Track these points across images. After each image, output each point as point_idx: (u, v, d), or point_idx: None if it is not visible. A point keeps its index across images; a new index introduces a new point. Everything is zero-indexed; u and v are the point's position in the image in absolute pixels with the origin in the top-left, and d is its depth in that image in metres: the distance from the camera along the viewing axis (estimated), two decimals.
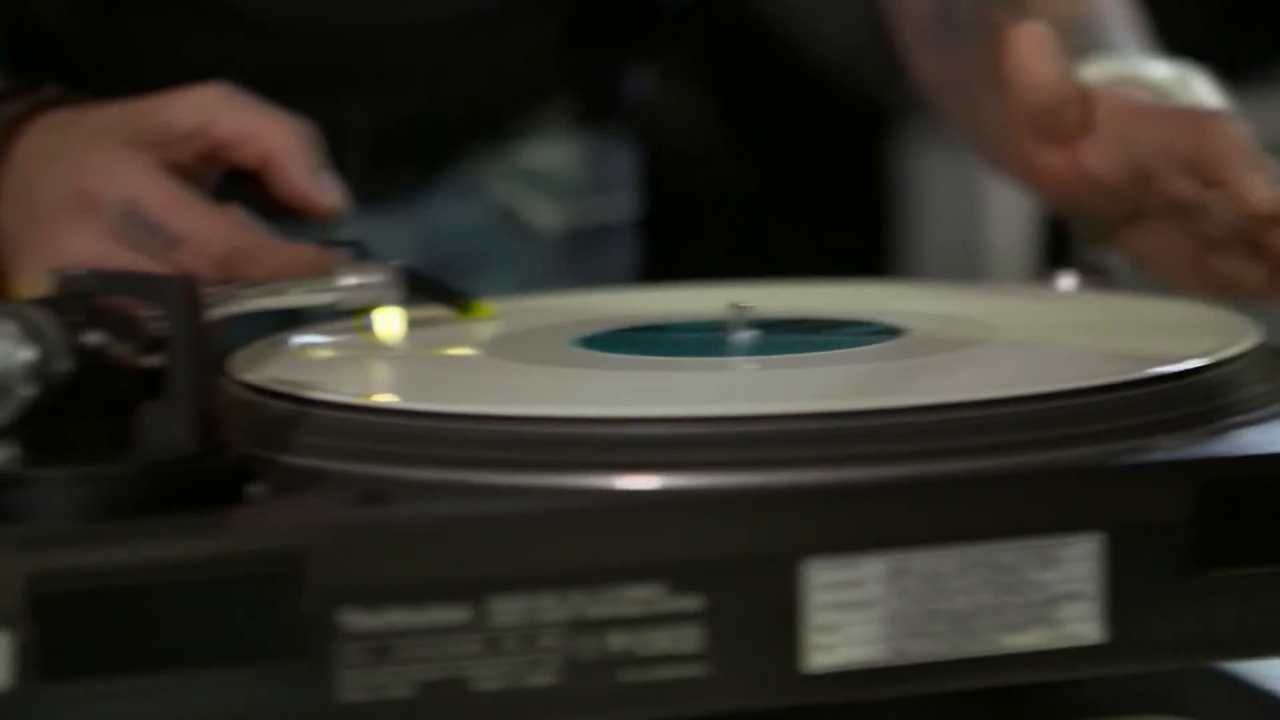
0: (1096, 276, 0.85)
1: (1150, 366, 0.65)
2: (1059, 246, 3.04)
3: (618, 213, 1.19)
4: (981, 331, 0.73)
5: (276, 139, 0.82)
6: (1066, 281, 0.84)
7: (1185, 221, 0.83)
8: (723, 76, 3.02)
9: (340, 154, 1.04)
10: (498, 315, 0.79)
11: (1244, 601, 0.61)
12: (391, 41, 1.07)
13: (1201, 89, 0.88)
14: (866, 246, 3.02)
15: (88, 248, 0.80)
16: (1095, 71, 0.88)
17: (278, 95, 1.01)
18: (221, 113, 0.82)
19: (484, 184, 1.13)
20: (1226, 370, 0.67)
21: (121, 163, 0.81)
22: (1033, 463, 0.60)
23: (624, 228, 1.19)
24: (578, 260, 1.15)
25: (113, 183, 0.80)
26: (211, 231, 0.79)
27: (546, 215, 1.14)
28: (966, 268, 2.80)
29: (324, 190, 0.83)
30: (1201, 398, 0.65)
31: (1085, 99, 0.84)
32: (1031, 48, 0.81)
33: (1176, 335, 0.74)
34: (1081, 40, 0.92)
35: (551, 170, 1.14)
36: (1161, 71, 0.89)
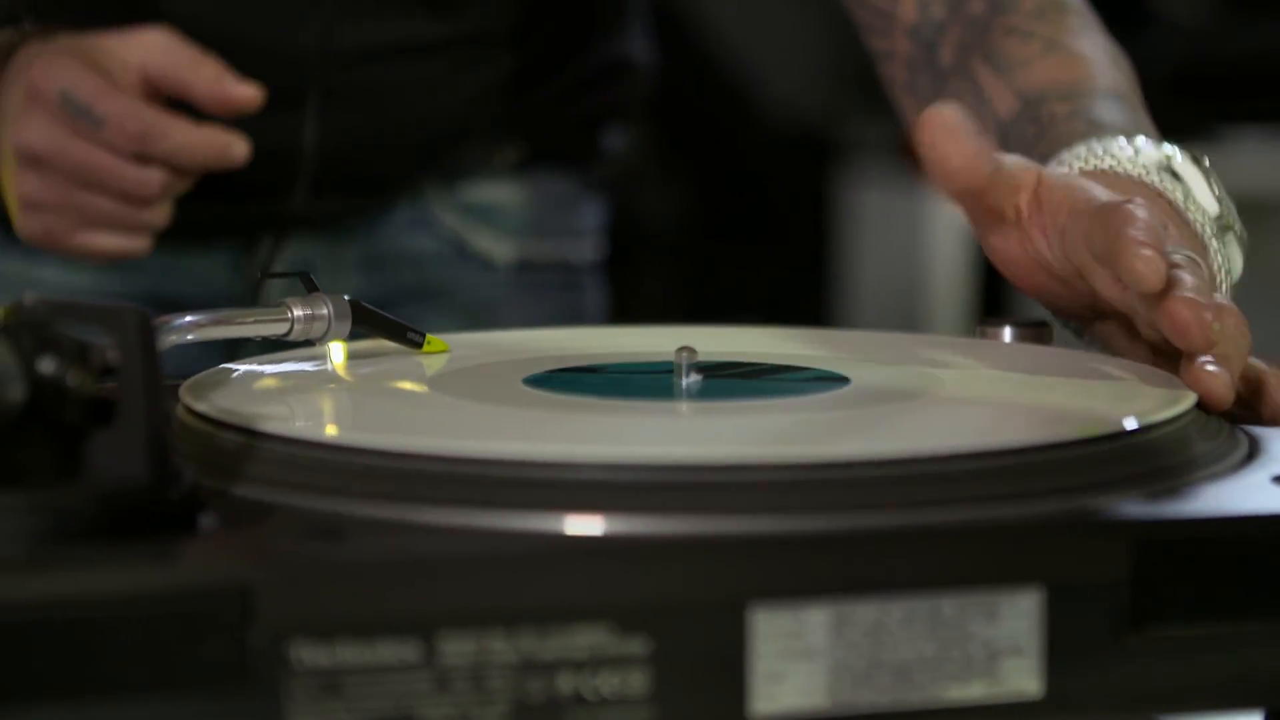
0: (1033, 329, 0.86)
1: (1090, 427, 0.66)
2: (996, 290, 3.07)
3: (580, 253, 1.20)
4: (924, 383, 0.74)
5: (194, 72, 0.96)
6: (1006, 333, 0.85)
7: (1130, 325, 0.79)
8: (666, 115, 3.03)
9: (291, 175, 1.04)
10: (449, 350, 0.79)
11: (1179, 659, 0.62)
12: (339, 64, 1.07)
13: (1187, 171, 0.85)
14: (806, 285, 3.04)
15: (39, 131, 0.97)
16: (1072, 157, 0.85)
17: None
18: (155, 54, 0.96)
19: (434, 215, 1.14)
20: (1165, 431, 0.68)
21: (61, 63, 0.97)
22: (975, 518, 0.61)
23: (588, 268, 1.20)
24: (536, 296, 1.16)
25: (52, 76, 0.97)
26: (129, 112, 0.96)
27: (498, 248, 1.15)
28: (905, 308, 2.82)
29: (235, 86, 0.96)
30: (1140, 458, 0.66)
31: (1016, 184, 0.78)
32: (943, 131, 0.76)
33: (1116, 394, 0.75)
34: (1069, 109, 0.91)
35: (502, 207, 1.15)
36: (1143, 155, 0.85)
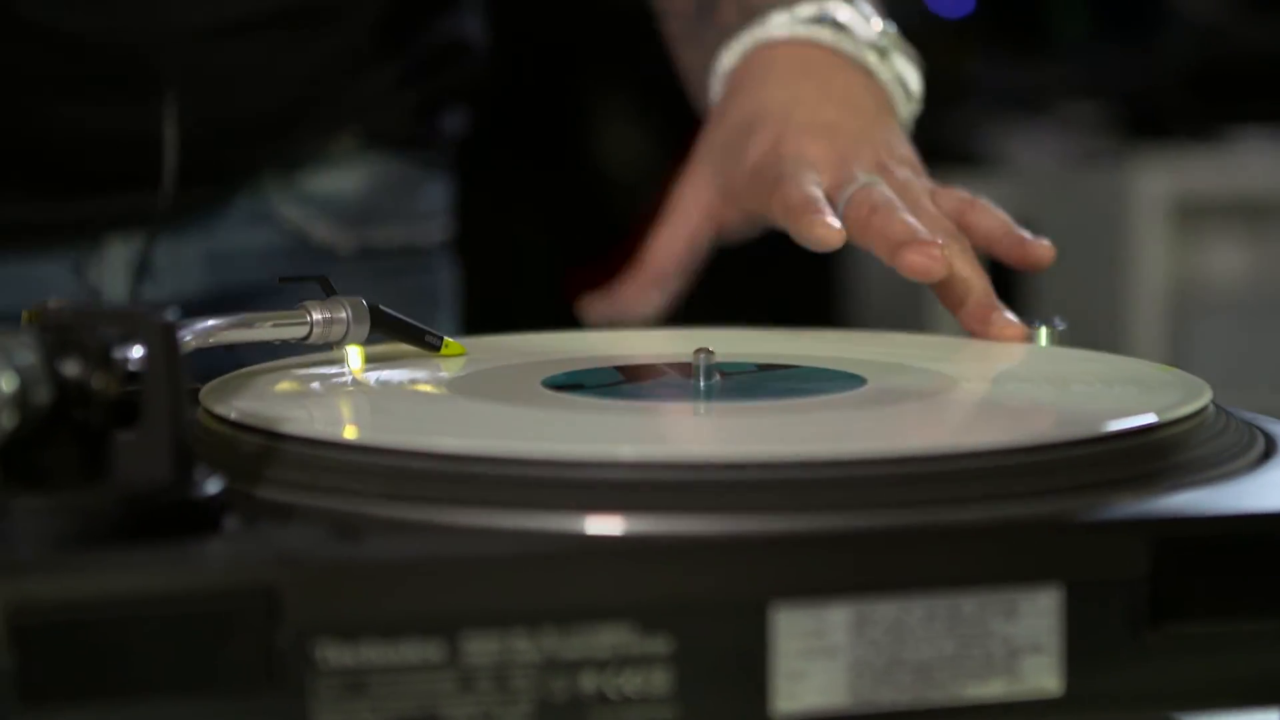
0: (1046, 328, 0.86)
1: (1110, 423, 0.66)
2: (1004, 290, 3.07)
3: (426, 236, 1.19)
4: (939, 383, 0.74)
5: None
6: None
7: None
8: (667, 113, 3.03)
9: (154, 170, 1.04)
10: (468, 353, 0.79)
11: (1199, 656, 0.62)
12: (188, 44, 1.05)
13: (900, 64, 0.97)
14: (813, 286, 3.04)
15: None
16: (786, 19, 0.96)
17: (84, 105, 1.01)
18: None
19: (273, 208, 1.13)
20: (1181, 429, 0.68)
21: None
22: (995, 516, 0.61)
23: (435, 249, 1.20)
24: (384, 282, 1.15)
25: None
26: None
27: (340, 238, 1.14)
28: (911, 308, 2.82)
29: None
30: (1158, 455, 0.67)
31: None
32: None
33: (1133, 391, 0.75)
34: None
35: (342, 195, 1.14)
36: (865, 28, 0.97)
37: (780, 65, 0.96)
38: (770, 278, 3.01)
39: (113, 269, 1.08)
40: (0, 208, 1.06)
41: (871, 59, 0.96)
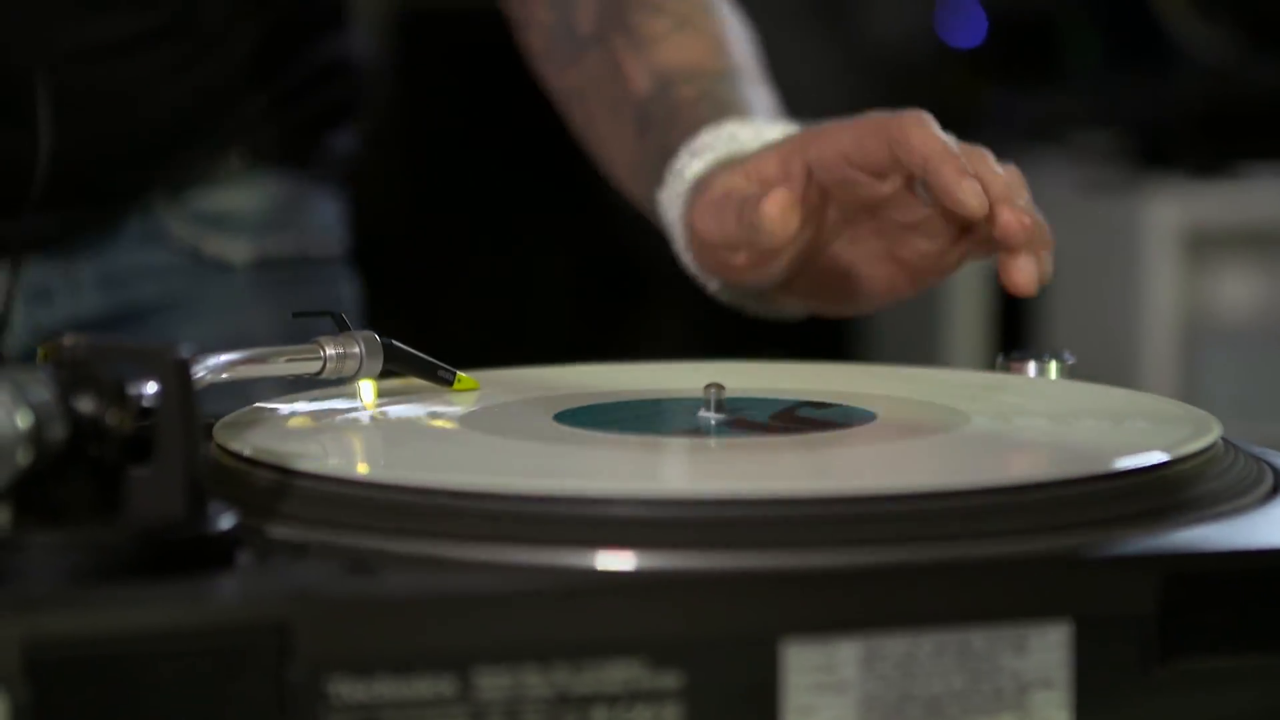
0: (1055, 363, 0.86)
1: (1117, 460, 0.66)
2: (1014, 324, 3.08)
3: (321, 247, 1.19)
4: (950, 418, 0.75)
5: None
6: (1030, 368, 0.86)
7: (875, 221, 0.89)
8: None
9: (23, 191, 1.03)
10: (479, 387, 0.80)
11: (1208, 691, 0.62)
12: (60, 64, 1.04)
13: None
14: (823, 319, 3.04)
15: None
16: (701, 147, 0.92)
17: None
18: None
19: (165, 227, 1.12)
20: (1190, 465, 0.68)
21: None
22: (1005, 551, 0.62)
23: (331, 260, 1.19)
24: (280, 292, 1.15)
25: None
26: None
27: (233, 249, 1.14)
28: (922, 342, 2.82)
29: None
30: (1166, 491, 0.67)
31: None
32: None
33: (1142, 427, 0.75)
34: (697, 92, 0.97)
35: (233, 212, 1.14)
36: (764, 132, 0.93)
37: None
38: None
39: (2, 294, 1.07)
40: None
41: None
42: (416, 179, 3.04)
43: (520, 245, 2.98)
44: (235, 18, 1.12)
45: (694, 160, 0.93)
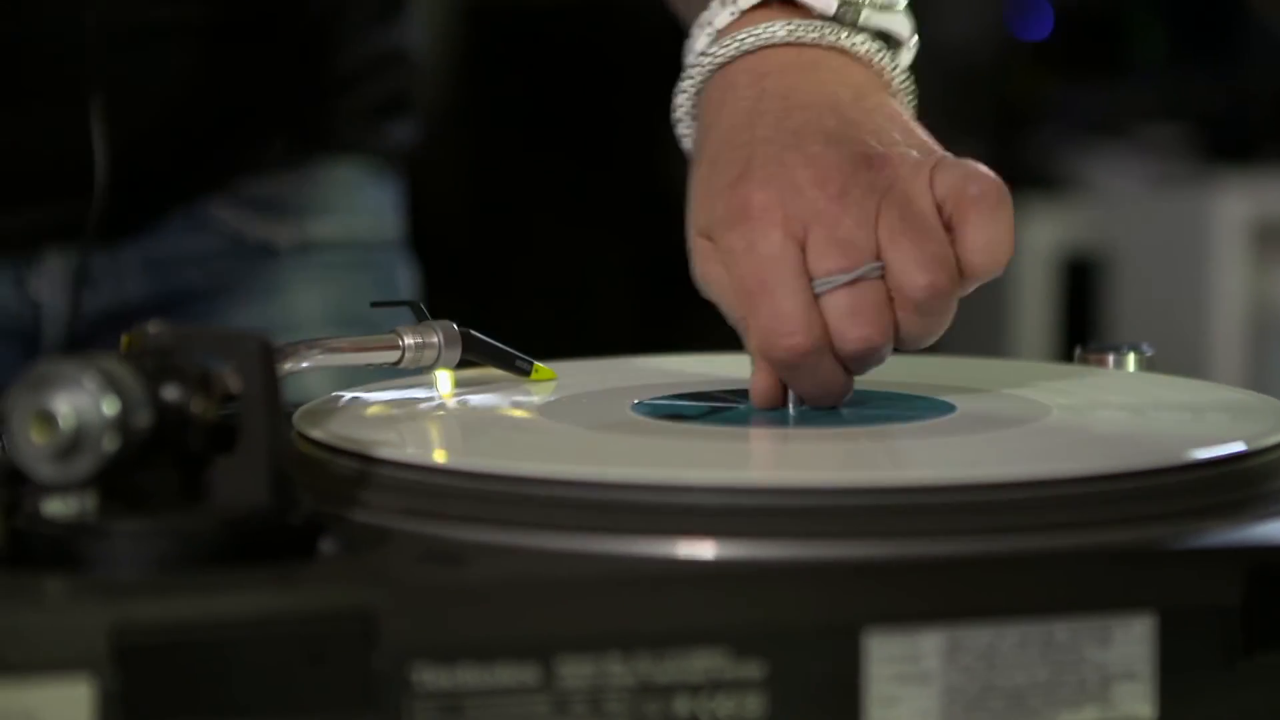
0: (1134, 355, 0.86)
1: (1200, 451, 0.66)
2: (1081, 317, 3.07)
3: (373, 231, 1.17)
4: (1030, 409, 0.74)
5: None
6: (1110, 359, 0.85)
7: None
8: None
9: (87, 179, 1.03)
10: (557, 377, 0.80)
11: None
12: (118, 49, 1.04)
13: (875, 18, 0.81)
14: None
15: None
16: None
17: (9, 114, 1.01)
18: None
19: (210, 214, 1.12)
20: (1273, 456, 0.68)
21: None
22: (1088, 542, 0.62)
23: (384, 245, 1.18)
24: (326, 276, 1.14)
25: None
26: None
27: (278, 233, 1.13)
28: (993, 333, 2.81)
29: None
30: (1250, 482, 0.66)
31: None
32: None
33: (1226, 418, 0.75)
34: None
35: (280, 196, 1.13)
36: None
37: (735, 97, 0.79)
38: None
39: (51, 280, 1.07)
40: None
41: (841, 36, 0.79)
42: (479, 169, 3.04)
43: (581, 237, 2.99)
44: (286, 5, 1.12)
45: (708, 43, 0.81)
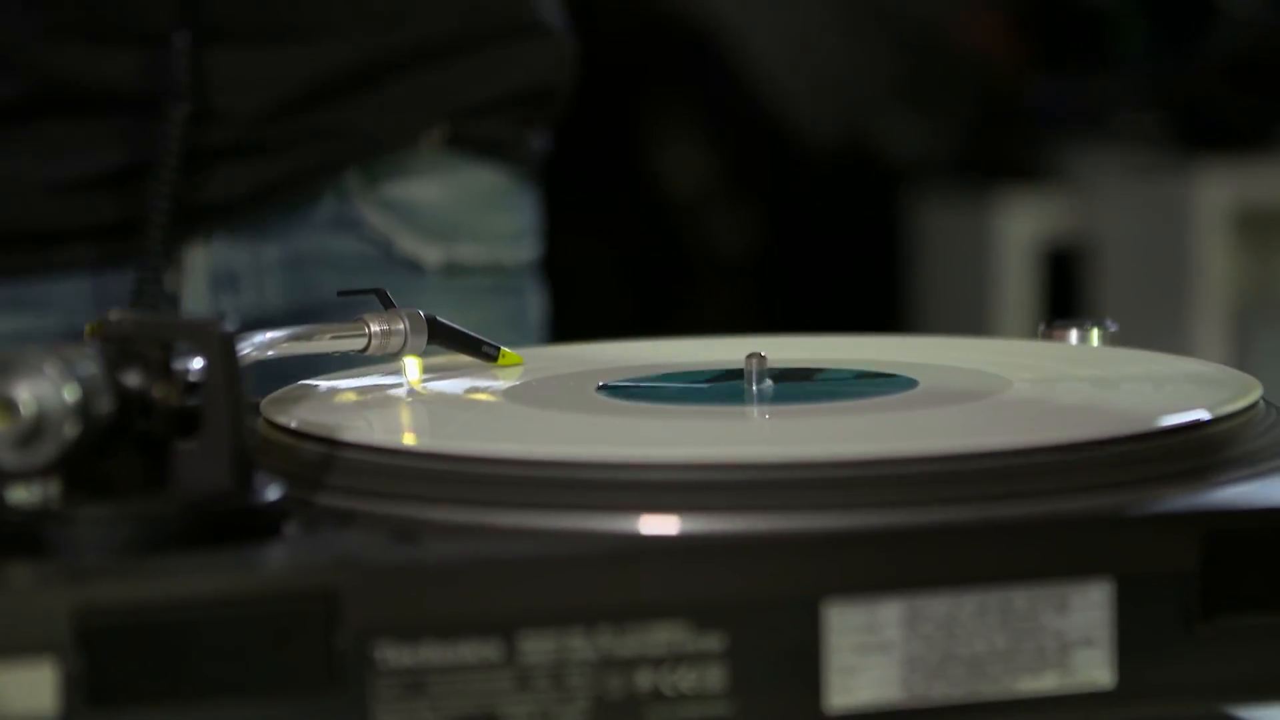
0: (1097, 329, 0.86)
1: (1158, 419, 0.66)
2: (1065, 306, 3.07)
3: (514, 255, 1.16)
4: (991, 383, 0.75)
5: None
6: (1072, 334, 0.86)
7: None
8: (726, 136, 3.05)
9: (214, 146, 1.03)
10: (524, 362, 0.80)
11: (1249, 648, 0.62)
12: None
13: None
14: (874, 304, 3.04)
15: None
16: None
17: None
18: None
19: (359, 213, 1.10)
20: (1231, 424, 0.69)
21: None
22: (1046, 510, 0.62)
23: (522, 270, 1.17)
24: (469, 300, 1.12)
25: None
26: None
27: (426, 251, 1.12)
28: (975, 324, 2.82)
29: None
30: (1207, 450, 0.67)
31: None
32: None
33: (1183, 387, 0.75)
34: None
35: (427, 204, 1.11)
36: None
37: None
38: (834, 299, 3.02)
39: (192, 277, 1.06)
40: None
41: None
42: None
43: (568, 232, 2.99)
44: None
45: None
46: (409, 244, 1.11)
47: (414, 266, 1.11)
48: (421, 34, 1.09)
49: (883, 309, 3.01)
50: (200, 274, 1.06)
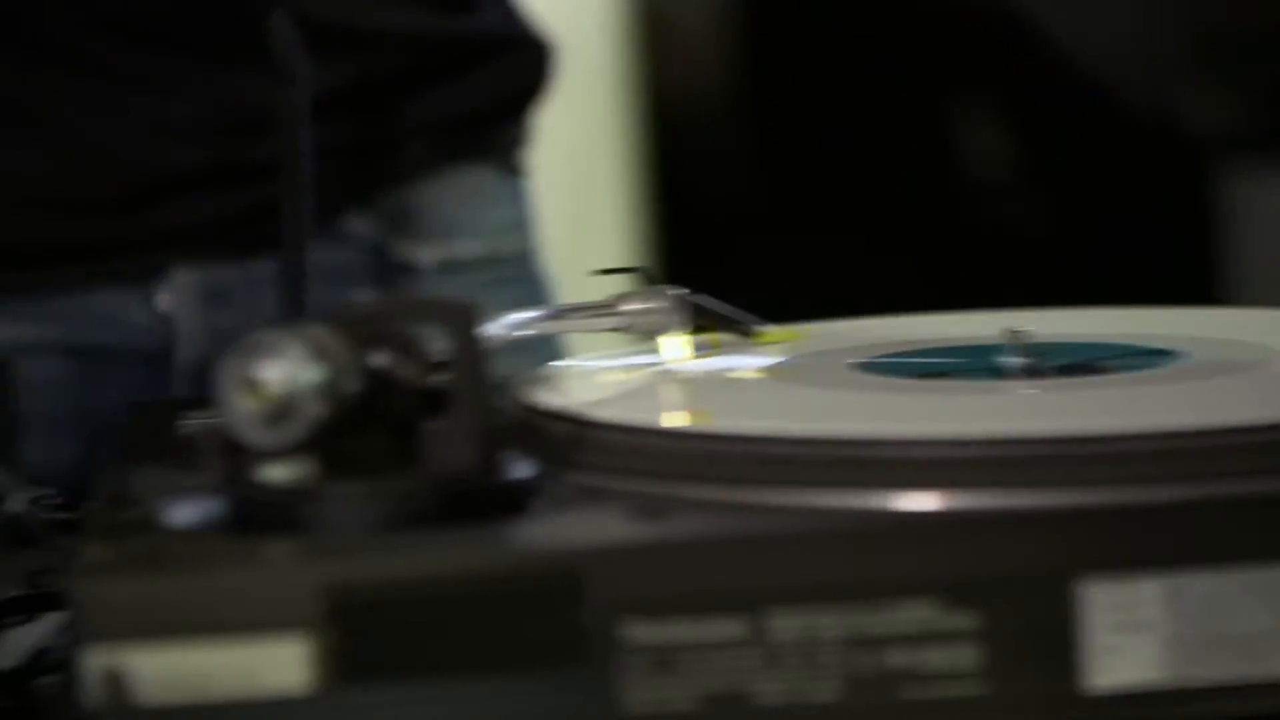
0: None
1: None
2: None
3: (511, 245, 1.15)
4: (1264, 355, 0.72)
5: None
6: None
7: None
8: (1033, 110, 3.00)
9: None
10: (797, 338, 0.79)
11: None
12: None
13: None
14: (1186, 280, 2.97)
15: None
16: None
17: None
18: None
19: (349, 227, 1.10)
20: None
21: None
22: None
23: (520, 259, 1.16)
24: (468, 294, 1.11)
25: None
26: None
27: (420, 251, 1.11)
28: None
29: None
30: None
31: None
32: None
33: None
34: None
35: (419, 209, 1.10)
36: None
37: None
38: (1142, 281, 2.95)
39: (182, 295, 1.06)
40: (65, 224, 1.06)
41: None
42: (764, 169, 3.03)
43: (872, 217, 2.96)
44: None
45: None
46: (402, 248, 1.11)
47: (410, 268, 1.11)
48: (405, 60, 1.10)
49: (1194, 286, 2.94)
50: (189, 291, 1.06)
